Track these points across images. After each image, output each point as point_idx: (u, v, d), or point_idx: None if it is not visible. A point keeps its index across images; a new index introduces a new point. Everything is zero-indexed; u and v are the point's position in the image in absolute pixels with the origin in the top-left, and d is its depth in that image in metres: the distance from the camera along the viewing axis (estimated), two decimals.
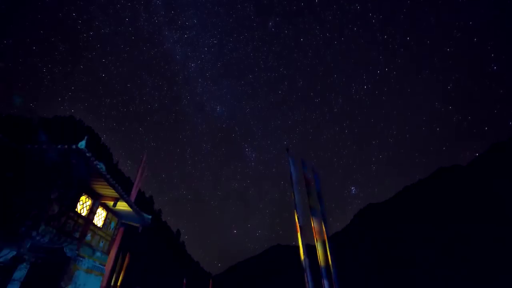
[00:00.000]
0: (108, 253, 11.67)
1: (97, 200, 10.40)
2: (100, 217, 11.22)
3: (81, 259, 9.66)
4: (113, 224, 12.21)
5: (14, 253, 7.54)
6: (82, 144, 7.25)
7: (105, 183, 9.41)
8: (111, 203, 10.58)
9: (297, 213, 6.36)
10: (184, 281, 28.20)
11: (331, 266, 5.77)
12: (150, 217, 13.27)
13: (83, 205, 9.92)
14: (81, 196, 9.71)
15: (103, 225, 11.38)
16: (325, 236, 6.04)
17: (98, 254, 10.74)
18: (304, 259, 5.97)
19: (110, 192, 10.07)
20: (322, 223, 6.09)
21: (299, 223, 6.33)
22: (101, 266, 11.14)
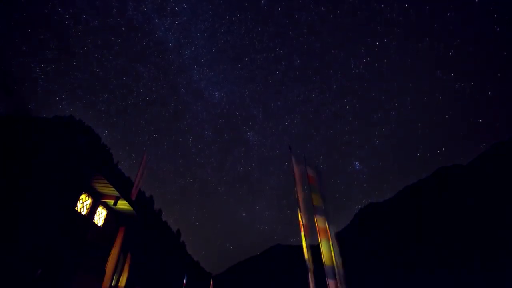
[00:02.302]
0: (108, 253, 11.58)
1: (98, 199, 10.33)
2: (100, 216, 11.13)
3: (81, 259, 9.57)
4: (113, 224, 12.12)
5: None
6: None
7: (106, 182, 9.34)
8: (111, 202, 10.50)
9: (300, 212, 6.29)
10: (185, 281, 28.06)
11: (335, 265, 5.67)
12: (149, 216, 13.20)
13: (83, 204, 9.84)
14: (81, 194, 9.63)
15: (103, 224, 11.29)
16: (329, 235, 5.96)
17: (98, 254, 10.65)
18: (308, 258, 5.89)
19: (111, 190, 9.99)
20: (326, 222, 6.02)
21: (302, 222, 6.25)
22: (102, 266, 11.06)
